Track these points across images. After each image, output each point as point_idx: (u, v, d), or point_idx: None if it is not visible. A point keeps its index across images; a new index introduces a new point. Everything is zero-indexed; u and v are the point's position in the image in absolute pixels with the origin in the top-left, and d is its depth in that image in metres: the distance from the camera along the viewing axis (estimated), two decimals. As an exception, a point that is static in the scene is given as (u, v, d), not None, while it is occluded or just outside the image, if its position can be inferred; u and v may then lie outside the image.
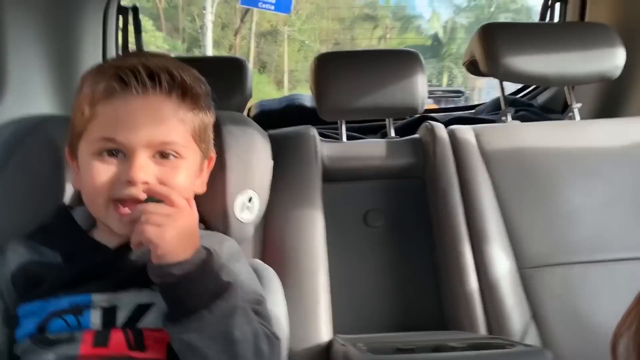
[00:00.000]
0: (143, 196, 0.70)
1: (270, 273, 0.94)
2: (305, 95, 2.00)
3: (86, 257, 0.77)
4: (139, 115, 0.72)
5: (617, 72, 1.34)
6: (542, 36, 1.40)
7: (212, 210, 0.90)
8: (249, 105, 1.74)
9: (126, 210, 0.72)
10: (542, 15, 1.80)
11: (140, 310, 0.72)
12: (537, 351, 0.76)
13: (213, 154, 0.86)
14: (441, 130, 1.30)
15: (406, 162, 1.32)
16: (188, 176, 0.77)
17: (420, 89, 1.31)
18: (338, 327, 1.10)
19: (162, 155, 0.74)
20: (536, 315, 1.11)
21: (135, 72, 0.72)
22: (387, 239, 1.26)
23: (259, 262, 0.97)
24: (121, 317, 0.72)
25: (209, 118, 0.81)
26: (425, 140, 1.31)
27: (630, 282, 1.13)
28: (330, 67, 1.31)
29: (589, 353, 0.99)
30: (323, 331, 1.05)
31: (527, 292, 1.12)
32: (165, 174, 0.73)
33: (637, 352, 0.70)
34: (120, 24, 1.68)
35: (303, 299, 1.05)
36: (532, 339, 1.08)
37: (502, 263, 1.14)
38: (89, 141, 0.74)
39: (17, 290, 0.76)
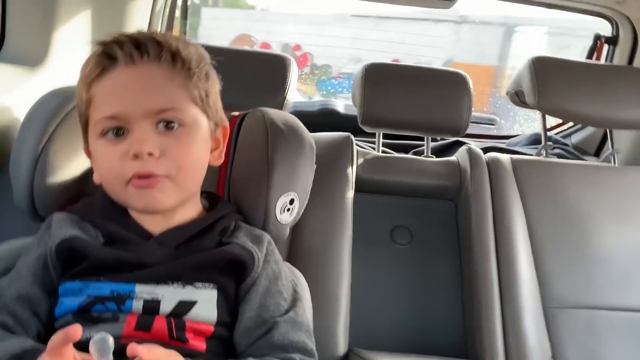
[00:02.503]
0: (149, 169, 0.69)
1: (302, 279, 0.93)
2: (339, 101, 1.99)
3: (129, 241, 0.75)
4: (130, 86, 0.70)
5: (663, 122, 1.33)
6: (591, 76, 1.39)
7: (252, 207, 0.89)
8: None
9: (140, 182, 0.70)
10: (589, 55, 1.78)
11: (183, 306, 0.71)
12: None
13: (226, 124, 0.82)
14: (481, 156, 1.28)
15: (440, 183, 1.30)
16: (198, 145, 0.73)
17: (465, 112, 1.30)
18: (354, 340, 1.09)
19: (166, 125, 0.71)
20: (556, 355, 1.09)
21: (120, 45, 0.70)
22: (413, 258, 1.25)
23: (291, 267, 0.96)
24: (164, 309, 0.70)
25: (210, 84, 0.77)
26: (462, 164, 1.30)
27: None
28: (379, 77, 1.30)
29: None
30: (340, 343, 1.04)
31: (550, 331, 1.11)
32: (172, 145, 0.70)
33: None
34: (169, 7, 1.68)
35: (325, 307, 1.04)
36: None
37: (527, 299, 1.12)
38: (93, 126, 0.73)
39: (61, 264, 0.74)
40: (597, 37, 1.76)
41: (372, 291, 1.21)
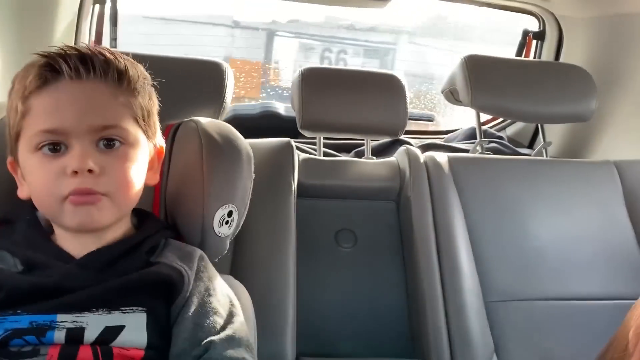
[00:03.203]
0: (88, 186, 0.67)
1: (242, 291, 0.91)
2: (279, 104, 1.97)
3: (49, 267, 0.71)
4: (75, 101, 0.68)
5: (590, 116, 1.39)
6: (521, 72, 1.43)
7: (189, 222, 0.86)
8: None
9: (78, 199, 0.67)
10: (519, 51, 1.84)
11: (109, 332, 0.67)
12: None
13: (162, 145, 0.82)
14: (418, 155, 1.30)
15: (381, 184, 1.32)
16: (138, 165, 0.73)
17: (402, 112, 1.31)
18: (302, 347, 1.08)
19: (107, 143, 0.69)
20: (498, 347, 1.12)
21: (66, 58, 0.68)
22: (358, 261, 1.25)
23: (231, 279, 0.94)
24: (89, 337, 0.67)
25: (152, 104, 0.77)
26: (402, 164, 1.31)
27: (590, 321, 1.17)
28: (315, 81, 1.30)
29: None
30: (288, 351, 1.03)
31: (492, 325, 1.14)
32: (113, 163, 0.69)
33: None
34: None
35: (271, 316, 1.02)
36: (492, 372, 1.09)
37: (469, 294, 1.15)
38: (27, 139, 0.69)
39: None
40: (526, 33, 1.83)
41: (319, 296, 1.21)
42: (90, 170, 0.67)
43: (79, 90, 0.68)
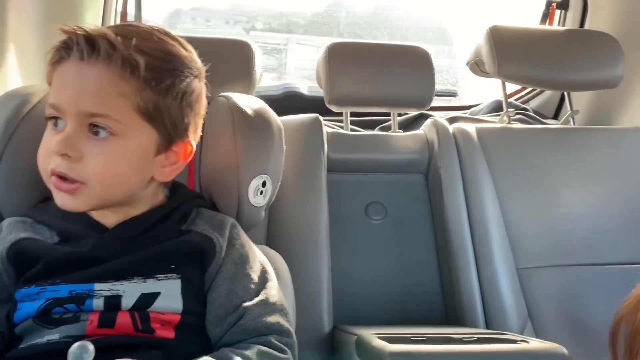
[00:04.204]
0: (63, 170, 0.67)
1: (279, 260, 0.93)
2: (302, 84, 1.98)
3: (83, 237, 0.73)
4: (74, 82, 0.68)
5: (618, 82, 1.37)
6: (546, 41, 1.42)
7: (225, 194, 0.89)
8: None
9: (55, 181, 0.68)
10: (543, 21, 1.82)
11: (146, 298, 0.70)
12: (557, 349, 0.77)
13: (191, 141, 0.77)
14: (446, 127, 1.31)
15: (409, 157, 1.32)
16: (125, 159, 0.70)
17: (428, 85, 1.31)
18: (338, 317, 1.10)
19: (95, 131, 0.68)
20: (532, 314, 1.13)
21: (77, 38, 0.68)
22: (388, 233, 1.26)
23: (268, 249, 0.96)
24: (126, 304, 0.70)
25: (167, 98, 0.71)
26: (430, 136, 1.32)
27: (622, 286, 1.15)
28: (341, 56, 1.31)
29: (583, 352, 1.01)
30: (325, 320, 1.05)
31: (525, 291, 1.15)
32: (95, 153, 0.67)
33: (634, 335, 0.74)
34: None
35: (307, 287, 1.05)
36: (528, 336, 1.10)
37: (501, 262, 1.15)
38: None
39: (15, 270, 0.73)
40: (549, 3, 1.80)
41: (352, 268, 1.22)
42: (66, 155, 0.67)
43: (80, 72, 0.68)
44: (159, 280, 0.71)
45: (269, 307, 0.74)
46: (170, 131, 0.73)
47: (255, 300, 0.74)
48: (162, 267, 0.72)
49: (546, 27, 1.78)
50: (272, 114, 0.97)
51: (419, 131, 1.37)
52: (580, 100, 1.71)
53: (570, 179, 1.27)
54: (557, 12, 1.85)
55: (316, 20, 2.39)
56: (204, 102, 0.79)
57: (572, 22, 1.78)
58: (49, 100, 0.70)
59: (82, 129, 0.68)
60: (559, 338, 1.09)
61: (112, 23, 1.56)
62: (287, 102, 1.88)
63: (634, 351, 0.77)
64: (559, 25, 1.85)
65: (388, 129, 1.49)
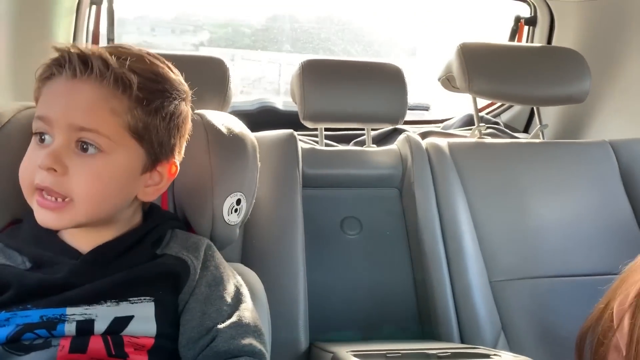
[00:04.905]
0: (47, 184, 0.67)
1: (254, 278, 0.93)
2: (276, 98, 1.99)
3: (56, 263, 0.72)
4: (64, 97, 0.69)
5: (585, 97, 1.41)
6: (515, 57, 1.45)
7: (199, 212, 0.88)
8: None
9: (41, 200, 0.68)
10: (512, 37, 1.87)
11: (119, 322, 0.69)
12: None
13: (176, 162, 0.79)
14: (419, 142, 1.32)
15: (384, 172, 1.34)
16: (112, 178, 0.70)
17: (401, 101, 1.33)
18: (314, 334, 1.10)
19: (82, 147, 0.68)
20: (505, 326, 1.15)
21: (70, 56, 0.69)
22: (364, 247, 1.27)
23: (242, 267, 0.96)
24: (99, 328, 0.69)
25: (157, 119, 0.72)
26: (403, 151, 1.34)
27: (591, 296, 1.19)
28: (316, 73, 1.32)
29: (558, 363, 1.03)
30: (301, 338, 1.05)
31: (498, 303, 1.16)
32: (81, 170, 0.67)
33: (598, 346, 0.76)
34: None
35: (283, 304, 1.05)
36: (502, 348, 1.11)
37: (475, 275, 1.17)
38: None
39: None
40: (518, 19, 1.85)
41: (329, 283, 1.22)
42: (52, 169, 0.66)
43: (71, 88, 0.69)
44: (133, 303, 0.70)
45: (242, 328, 0.73)
46: (157, 151, 0.74)
47: (228, 322, 0.73)
48: (136, 290, 0.71)
49: (515, 43, 1.83)
50: (246, 131, 0.97)
51: (393, 146, 1.38)
52: (550, 114, 1.76)
53: (540, 192, 1.30)
54: (526, 28, 1.90)
55: (261, 31, 2.40)
56: (189, 125, 0.81)
57: (540, 38, 1.83)
58: (36, 113, 0.70)
59: (69, 144, 0.68)
60: (531, 349, 1.13)
61: (83, 41, 1.55)
62: (262, 117, 1.89)
63: None
64: (527, 41, 1.90)
65: (363, 143, 1.51)
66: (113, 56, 0.69)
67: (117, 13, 1.68)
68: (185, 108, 0.78)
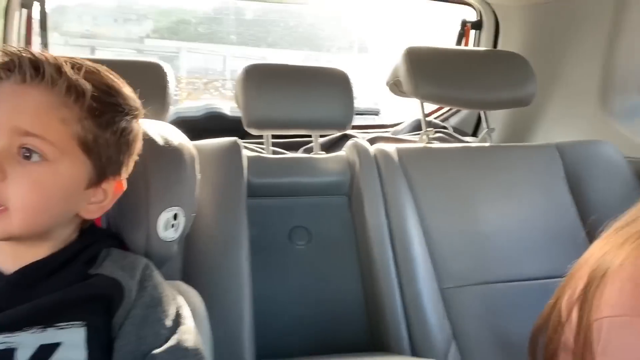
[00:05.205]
0: None
1: (195, 296, 0.88)
2: (224, 104, 1.94)
3: None
4: (10, 99, 0.65)
5: (530, 100, 1.42)
6: (461, 61, 1.45)
7: (133, 228, 0.83)
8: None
9: None
10: (459, 41, 1.88)
11: (45, 350, 0.63)
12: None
13: (122, 180, 0.75)
14: (367, 148, 1.30)
15: (332, 179, 1.31)
16: (55, 190, 0.66)
17: (348, 106, 1.31)
18: (261, 350, 1.06)
19: (26, 154, 0.63)
20: (456, 333, 1.13)
21: (20, 60, 0.65)
22: (313, 257, 1.24)
23: (181, 285, 0.91)
24: (21, 357, 0.62)
25: (106, 133, 0.69)
26: (351, 158, 1.31)
27: (542, 300, 1.19)
28: (260, 78, 1.28)
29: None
30: (247, 355, 1.00)
31: (448, 311, 1.15)
32: (20, 176, 0.63)
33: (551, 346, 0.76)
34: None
35: (227, 320, 1.00)
36: (453, 357, 1.10)
37: (425, 282, 1.15)
38: None
39: None
40: (464, 23, 1.86)
41: (276, 296, 1.19)
42: None
43: (19, 93, 0.65)
44: (61, 329, 0.64)
45: (180, 352, 0.69)
46: (104, 165, 0.71)
47: (166, 346, 0.68)
48: (65, 314, 0.66)
49: (461, 47, 1.84)
50: (184, 140, 0.93)
51: (341, 153, 1.36)
52: (498, 118, 1.78)
53: (489, 197, 1.30)
54: (473, 32, 1.92)
55: (207, 19, 2.35)
56: (139, 144, 0.77)
57: (486, 42, 1.85)
58: None
59: (11, 149, 0.63)
60: (483, 356, 1.12)
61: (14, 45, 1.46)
62: (208, 123, 1.83)
63: None
64: (475, 45, 1.91)
65: (312, 150, 1.47)
66: (67, 64, 0.67)
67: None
68: (137, 126, 0.75)
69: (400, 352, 1.10)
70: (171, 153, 0.87)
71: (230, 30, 2.31)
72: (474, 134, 1.95)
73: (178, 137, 0.92)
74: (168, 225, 0.86)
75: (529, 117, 1.73)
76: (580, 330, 0.70)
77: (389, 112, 2.22)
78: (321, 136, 1.64)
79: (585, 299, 0.69)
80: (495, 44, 1.83)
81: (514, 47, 1.65)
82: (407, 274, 1.15)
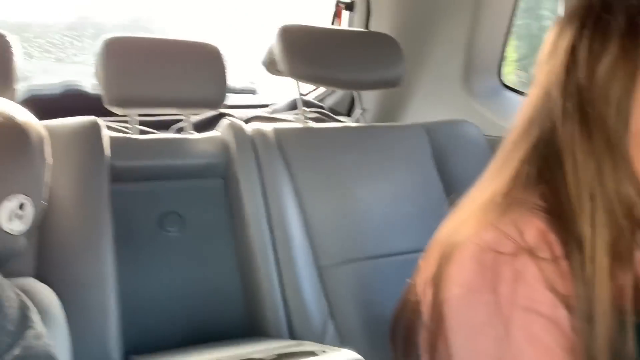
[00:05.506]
0: None
1: (48, 295, 0.79)
2: (87, 80, 1.77)
3: None
4: None
5: (399, 81, 1.46)
6: (335, 41, 1.45)
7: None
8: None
9: None
10: (333, 22, 1.89)
11: None
12: (350, 355, 0.77)
13: None
14: (243, 128, 1.26)
15: (206, 161, 1.24)
16: None
17: (220, 83, 1.25)
18: (133, 346, 0.99)
19: None
20: (334, 313, 1.14)
21: None
22: (187, 244, 1.18)
23: (33, 283, 0.81)
24: None
25: None
26: (226, 138, 1.26)
27: (410, 274, 1.25)
28: (121, 52, 1.17)
29: (386, 344, 1.05)
30: (113, 352, 0.93)
31: (326, 290, 1.15)
32: None
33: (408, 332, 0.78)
34: None
35: (89, 320, 0.92)
36: (331, 336, 1.11)
37: (302, 263, 1.15)
38: None
39: None
40: (337, 3, 1.87)
41: (147, 287, 1.11)
42: None
43: None
44: None
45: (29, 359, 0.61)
46: None
47: (8, 356, 0.60)
48: None
49: (334, 27, 1.84)
50: (30, 122, 0.82)
51: (215, 133, 1.30)
52: (371, 98, 1.82)
53: (364, 175, 1.32)
54: (347, 12, 1.93)
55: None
56: None
57: (359, 23, 1.87)
58: None
59: None
60: (359, 333, 1.14)
61: None
62: (68, 102, 1.67)
63: (411, 340, 0.82)
64: (349, 25, 1.93)
65: (184, 129, 1.39)
66: None
67: None
68: None
69: (278, 336, 1.08)
70: (12, 133, 0.77)
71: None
72: (349, 113, 1.98)
73: (23, 116, 0.81)
74: (12, 216, 0.76)
75: (400, 97, 1.79)
76: (434, 309, 0.72)
77: (266, 91, 2.18)
78: (194, 115, 1.56)
79: (437, 277, 0.71)
80: (367, 25, 1.86)
81: (385, 29, 1.68)
82: (285, 256, 1.13)
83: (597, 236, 0.65)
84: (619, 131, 0.66)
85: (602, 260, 0.64)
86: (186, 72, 1.21)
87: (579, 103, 0.67)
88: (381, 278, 1.21)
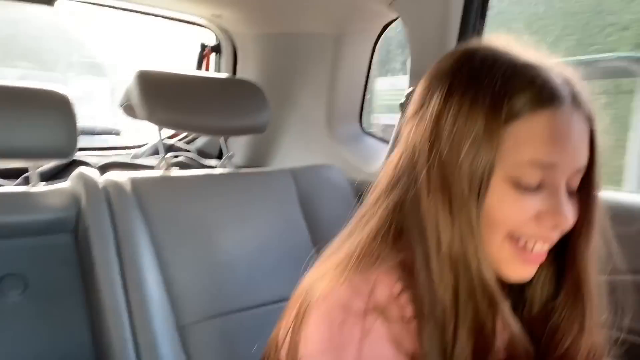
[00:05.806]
0: None
1: None
2: None
3: None
4: None
5: (265, 127, 1.46)
6: (198, 88, 1.42)
7: None
8: None
9: None
10: (199, 65, 1.87)
11: None
12: None
13: None
14: (95, 180, 1.18)
15: (53, 216, 1.14)
16: None
17: (69, 132, 1.16)
18: None
19: None
20: (195, 372, 1.09)
21: None
22: (31, 309, 1.06)
23: None
24: None
25: None
26: (77, 191, 1.17)
27: (275, 324, 1.23)
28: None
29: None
30: None
31: (187, 349, 1.10)
32: None
33: None
34: None
35: None
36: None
37: (161, 323, 1.08)
38: None
39: None
40: (203, 46, 1.86)
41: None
42: None
43: None
44: None
45: None
46: None
47: None
48: None
49: (197, 73, 1.82)
50: None
51: (64, 185, 1.20)
52: (239, 142, 1.81)
53: (229, 224, 1.29)
54: (214, 55, 1.92)
55: None
56: None
57: (225, 67, 1.87)
58: None
59: None
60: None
61: None
62: None
63: None
64: (216, 69, 1.92)
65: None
66: None
67: None
68: None
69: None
70: None
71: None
72: (220, 156, 1.95)
73: None
74: None
75: (268, 141, 1.80)
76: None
77: (132, 132, 2.09)
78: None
79: (293, 334, 0.70)
80: (235, 69, 1.87)
81: (251, 74, 1.70)
82: (141, 318, 1.06)
83: (459, 309, 0.65)
84: (478, 211, 0.65)
85: (462, 333, 0.64)
86: (28, 119, 1.11)
87: (442, 177, 0.66)
88: (245, 331, 1.19)
